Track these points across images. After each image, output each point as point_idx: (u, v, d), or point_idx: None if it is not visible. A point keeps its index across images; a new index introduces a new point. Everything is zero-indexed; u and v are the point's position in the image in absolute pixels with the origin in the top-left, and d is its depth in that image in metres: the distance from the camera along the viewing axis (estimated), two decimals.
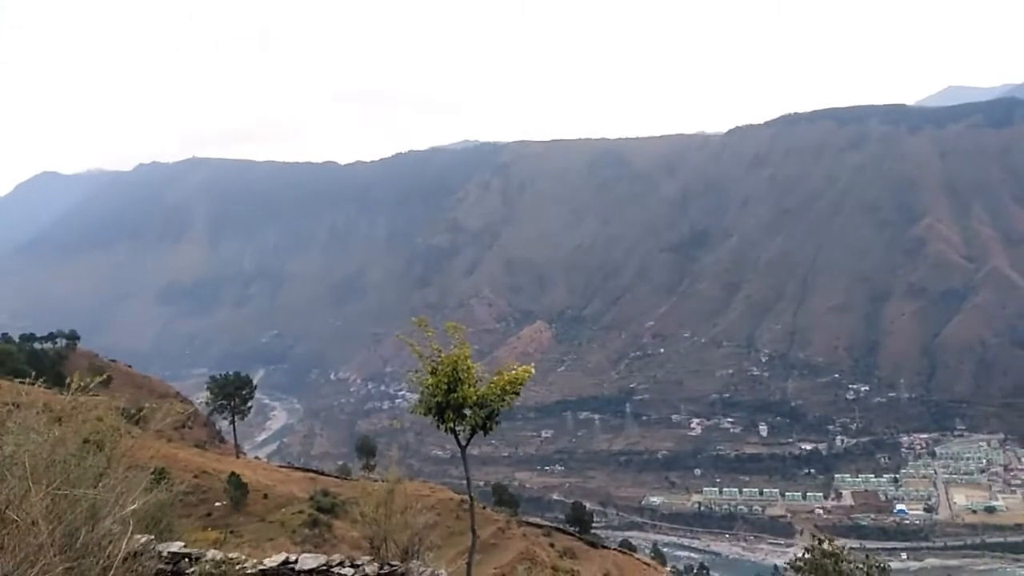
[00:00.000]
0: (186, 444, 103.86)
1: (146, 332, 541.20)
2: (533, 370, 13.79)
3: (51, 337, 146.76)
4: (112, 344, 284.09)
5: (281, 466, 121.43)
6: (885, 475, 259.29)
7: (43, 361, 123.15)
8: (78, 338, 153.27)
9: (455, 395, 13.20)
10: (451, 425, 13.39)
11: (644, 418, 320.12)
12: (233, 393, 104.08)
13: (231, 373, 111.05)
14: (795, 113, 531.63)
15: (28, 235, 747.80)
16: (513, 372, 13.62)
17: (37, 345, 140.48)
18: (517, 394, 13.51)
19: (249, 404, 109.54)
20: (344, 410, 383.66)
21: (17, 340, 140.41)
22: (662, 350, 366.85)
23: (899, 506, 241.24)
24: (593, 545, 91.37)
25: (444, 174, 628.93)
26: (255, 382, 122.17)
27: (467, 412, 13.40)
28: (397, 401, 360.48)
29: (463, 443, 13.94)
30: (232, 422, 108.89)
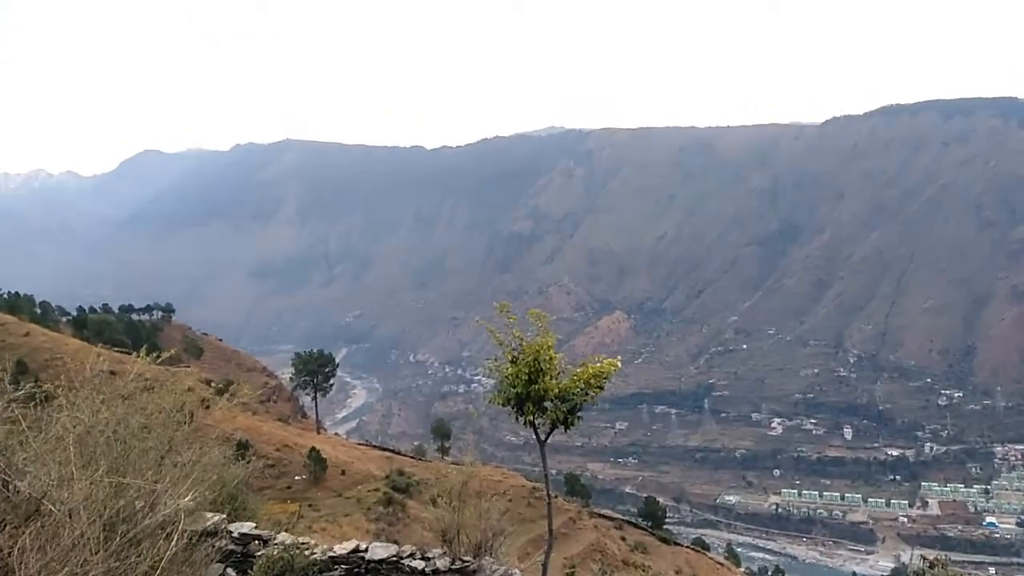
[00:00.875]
0: (270, 417, 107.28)
1: (237, 307, 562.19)
2: (619, 364, 13.00)
3: (148, 309, 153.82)
4: (205, 318, 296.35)
5: (359, 444, 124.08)
6: (976, 486, 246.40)
7: (139, 332, 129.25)
8: (173, 311, 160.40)
9: (536, 387, 12.49)
10: (531, 418, 12.68)
11: (723, 415, 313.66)
12: (316, 370, 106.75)
13: (315, 350, 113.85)
14: (896, 104, 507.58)
15: (130, 211, 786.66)
16: (598, 365, 12.85)
17: (135, 316, 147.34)
18: (601, 388, 12.73)
19: (331, 381, 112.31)
20: (422, 391, 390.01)
21: (116, 311, 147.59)
22: (745, 346, 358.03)
23: (989, 519, 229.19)
24: (665, 541, 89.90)
25: (528, 160, 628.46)
26: (337, 360, 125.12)
27: (548, 405, 12.69)
28: (473, 385, 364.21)
29: (542, 437, 13.24)
30: (314, 398, 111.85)
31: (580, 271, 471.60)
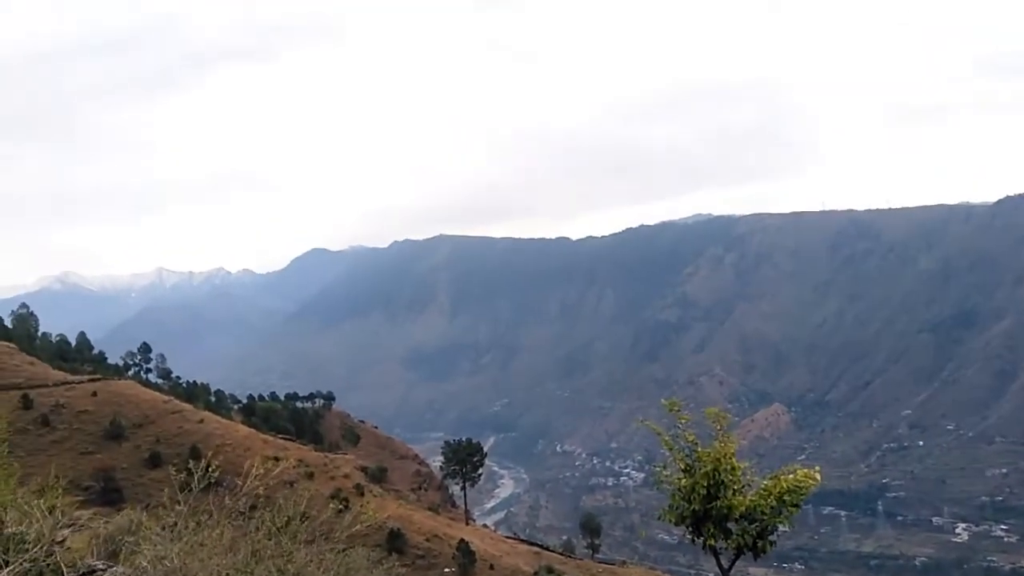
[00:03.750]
0: (421, 506, 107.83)
1: (391, 395, 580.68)
2: (819, 476, 10.84)
3: (311, 397, 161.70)
4: (361, 405, 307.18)
5: (508, 537, 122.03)
6: None
7: (303, 419, 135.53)
8: (333, 399, 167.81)
9: (717, 504, 10.51)
10: (711, 542, 10.66)
11: (899, 518, 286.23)
12: (465, 459, 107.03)
13: (464, 439, 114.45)
14: None
15: (298, 304, 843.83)
16: (791, 477, 10.62)
17: (299, 404, 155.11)
18: (798, 507, 10.54)
19: (479, 471, 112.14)
20: (569, 483, 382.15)
21: (282, 399, 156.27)
22: (921, 443, 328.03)
23: None
24: None
25: (674, 248, 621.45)
26: (486, 449, 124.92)
27: (731, 527, 10.65)
28: (622, 479, 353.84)
29: (725, 566, 11.11)
30: (463, 487, 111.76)
31: (732, 360, 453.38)
